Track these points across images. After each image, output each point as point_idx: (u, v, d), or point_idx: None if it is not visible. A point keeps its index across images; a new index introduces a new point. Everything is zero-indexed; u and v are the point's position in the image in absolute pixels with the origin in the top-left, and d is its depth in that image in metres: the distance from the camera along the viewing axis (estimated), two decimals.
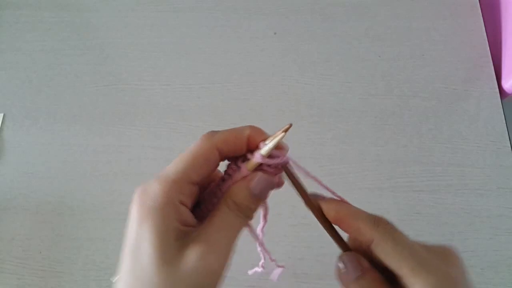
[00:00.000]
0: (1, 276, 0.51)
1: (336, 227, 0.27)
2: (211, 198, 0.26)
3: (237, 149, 0.25)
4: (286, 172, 0.26)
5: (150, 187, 0.24)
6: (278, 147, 0.25)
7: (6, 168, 0.58)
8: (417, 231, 0.52)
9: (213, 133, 0.25)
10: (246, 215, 0.25)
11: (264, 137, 0.26)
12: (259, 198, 0.25)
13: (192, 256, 0.22)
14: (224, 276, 0.24)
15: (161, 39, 0.67)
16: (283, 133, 0.25)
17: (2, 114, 0.62)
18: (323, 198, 0.27)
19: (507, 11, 0.64)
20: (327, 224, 0.26)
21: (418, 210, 0.53)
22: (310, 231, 0.50)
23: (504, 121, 0.58)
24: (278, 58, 0.64)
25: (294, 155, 0.57)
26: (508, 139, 0.57)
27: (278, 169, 0.26)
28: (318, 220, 0.26)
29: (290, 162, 0.26)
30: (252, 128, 0.26)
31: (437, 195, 0.54)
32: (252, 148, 0.26)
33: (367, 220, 0.25)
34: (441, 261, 0.24)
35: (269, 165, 0.25)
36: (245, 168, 0.25)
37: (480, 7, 0.67)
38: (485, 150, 0.57)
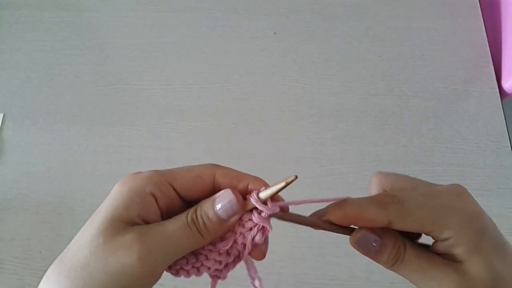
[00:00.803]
0: (1, 276, 0.51)
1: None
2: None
3: (233, 185, 0.25)
4: (281, 218, 0.26)
5: (141, 172, 0.26)
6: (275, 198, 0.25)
7: (6, 168, 0.58)
8: None
9: (217, 165, 0.26)
10: (198, 230, 0.24)
11: (258, 188, 0.25)
12: (220, 220, 0.24)
13: (125, 242, 0.22)
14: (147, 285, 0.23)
15: (161, 39, 0.67)
16: (284, 183, 0.24)
17: (2, 114, 0.62)
18: (325, 211, 0.26)
19: (507, 11, 0.64)
20: (347, 230, 0.26)
21: None
22: (310, 231, 0.50)
23: (504, 121, 0.58)
24: (278, 58, 0.64)
25: (294, 155, 0.57)
26: (508, 139, 0.57)
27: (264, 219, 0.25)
28: (340, 233, 0.26)
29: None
30: (254, 182, 0.26)
31: None
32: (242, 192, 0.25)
33: (375, 208, 0.24)
34: (455, 199, 0.25)
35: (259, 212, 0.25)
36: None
37: (480, 7, 0.67)
38: (485, 150, 0.57)
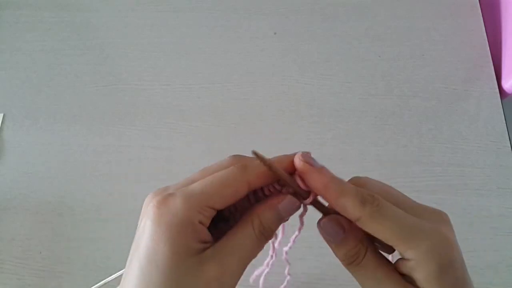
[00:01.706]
0: (1, 276, 0.51)
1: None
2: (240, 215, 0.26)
3: (268, 183, 0.26)
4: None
5: (172, 201, 0.23)
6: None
7: (6, 168, 0.58)
8: None
9: (245, 166, 0.25)
10: (267, 237, 0.25)
11: (293, 168, 0.25)
12: (282, 220, 0.26)
13: (209, 274, 0.22)
14: None
15: (161, 39, 0.67)
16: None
17: (2, 114, 0.62)
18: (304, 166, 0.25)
19: (507, 11, 0.64)
20: (319, 205, 0.26)
21: None
22: (310, 231, 0.50)
23: (504, 121, 0.58)
24: (278, 58, 0.64)
25: None
26: (508, 139, 0.57)
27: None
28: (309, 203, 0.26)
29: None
30: (281, 160, 0.25)
31: (437, 195, 0.54)
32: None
33: (355, 198, 0.24)
34: (434, 223, 0.24)
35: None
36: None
37: (480, 7, 0.67)
38: (485, 150, 0.57)
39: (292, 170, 0.25)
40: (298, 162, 0.25)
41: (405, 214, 0.24)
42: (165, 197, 0.23)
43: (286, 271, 0.28)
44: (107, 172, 0.57)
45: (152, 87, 0.63)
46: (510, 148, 0.57)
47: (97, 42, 0.67)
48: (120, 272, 0.27)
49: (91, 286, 0.46)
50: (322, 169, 0.25)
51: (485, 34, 0.65)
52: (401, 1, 0.68)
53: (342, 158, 0.57)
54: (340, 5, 0.68)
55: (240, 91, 0.62)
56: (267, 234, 0.25)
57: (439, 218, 0.25)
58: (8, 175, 0.57)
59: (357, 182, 0.26)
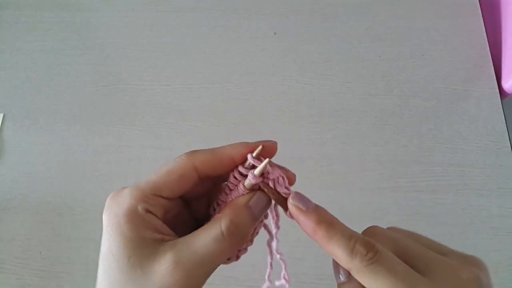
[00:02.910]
0: (1, 276, 0.51)
1: None
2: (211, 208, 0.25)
3: (218, 169, 0.25)
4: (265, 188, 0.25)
5: (120, 194, 0.24)
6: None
7: (6, 168, 0.58)
8: (417, 231, 0.52)
9: (193, 152, 0.25)
10: (239, 239, 0.23)
11: (247, 151, 0.24)
12: (256, 220, 0.24)
13: (163, 267, 0.22)
14: None
15: (161, 39, 0.67)
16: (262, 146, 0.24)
17: (2, 114, 0.62)
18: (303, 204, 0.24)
19: (507, 11, 0.64)
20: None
21: (418, 210, 0.53)
22: None
23: (504, 121, 0.58)
24: (278, 58, 0.64)
25: (294, 155, 0.58)
26: (508, 139, 0.57)
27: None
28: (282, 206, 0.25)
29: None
30: (234, 146, 0.25)
31: (437, 195, 0.54)
32: (239, 163, 0.25)
33: (344, 248, 0.22)
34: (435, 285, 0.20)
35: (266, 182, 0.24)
36: (244, 189, 0.24)
37: (480, 7, 0.67)
38: (485, 150, 0.57)
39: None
40: (289, 205, 0.24)
41: (404, 274, 0.21)
42: (116, 191, 0.24)
43: (282, 275, 0.26)
44: (107, 172, 0.57)
45: (152, 87, 0.63)
46: (510, 148, 0.57)
47: (97, 42, 0.67)
48: None
49: (91, 286, 0.46)
50: (311, 212, 0.23)
51: (485, 34, 0.65)
52: (401, 1, 0.68)
53: (342, 158, 0.57)
54: (340, 5, 0.68)
55: (240, 91, 0.62)
56: (238, 234, 0.23)
57: (467, 277, 0.21)
58: (8, 175, 0.57)
59: (373, 231, 0.24)
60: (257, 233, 0.27)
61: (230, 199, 0.25)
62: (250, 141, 0.26)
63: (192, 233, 0.23)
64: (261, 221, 0.26)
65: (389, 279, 0.20)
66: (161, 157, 0.57)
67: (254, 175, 0.24)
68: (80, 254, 0.52)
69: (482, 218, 0.53)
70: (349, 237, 0.22)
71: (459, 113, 0.59)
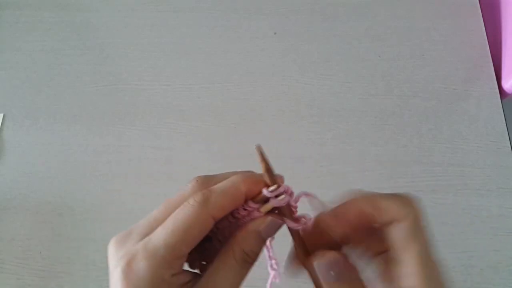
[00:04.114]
0: (1, 276, 0.51)
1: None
2: (216, 242, 0.25)
3: (234, 209, 0.24)
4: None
5: (136, 264, 0.21)
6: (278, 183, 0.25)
7: (6, 168, 0.58)
8: None
9: (207, 199, 0.23)
10: (252, 262, 0.24)
11: (262, 186, 0.24)
12: (265, 241, 0.24)
13: None
14: None
15: (161, 39, 0.67)
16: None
17: (2, 114, 0.62)
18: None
19: (507, 11, 0.64)
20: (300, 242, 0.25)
21: None
22: None
23: (504, 121, 0.58)
24: (278, 58, 0.64)
25: (294, 155, 0.57)
26: (508, 139, 0.57)
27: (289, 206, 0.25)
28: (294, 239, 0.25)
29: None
30: (247, 183, 0.24)
31: (437, 195, 0.54)
32: (251, 198, 0.24)
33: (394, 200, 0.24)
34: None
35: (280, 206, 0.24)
36: (258, 212, 0.24)
37: (480, 7, 0.67)
38: (485, 150, 0.57)
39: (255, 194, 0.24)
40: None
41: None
42: (129, 261, 0.21)
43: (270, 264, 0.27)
44: (107, 172, 0.57)
45: (152, 87, 0.63)
46: (510, 148, 0.57)
47: (97, 42, 0.67)
48: None
49: (91, 286, 0.46)
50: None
51: (485, 34, 0.65)
52: (401, 1, 0.68)
53: (342, 158, 0.57)
54: (340, 5, 0.68)
55: (240, 91, 0.62)
56: (251, 259, 0.23)
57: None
58: (8, 175, 0.57)
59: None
60: None
61: (237, 222, 0.25)
62: (254, 171, 0.26)
63: (208, 272, 0.23)
64: None
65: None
66: (161, 157, 0.57)
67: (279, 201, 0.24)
68: (80, 254, 0.52)
69: (482, 218, 0.53)
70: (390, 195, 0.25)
71: (459, 113, 0.59)
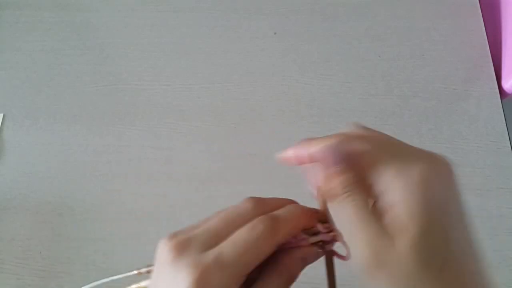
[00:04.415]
0: (1, 276, 0.51)
1: None
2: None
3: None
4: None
5: (210, 276, 0.21)
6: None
7: (6, 168, 0.58)
8: None
9: (277, 230, 0.24)
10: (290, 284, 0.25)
11: (314, 220, 0.26)
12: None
13: None
14: None
15: (161, 39, 0.67)
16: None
17: (2, 114, 0.62)
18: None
19: (507, 11, 0.64)
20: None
21: None
22: None
23: (504, 121, 0.58)
24: (278, 58, 0.64)
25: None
26: (508, 139, 0.57)
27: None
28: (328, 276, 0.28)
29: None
30: (306, 215, 0.26)
31: None
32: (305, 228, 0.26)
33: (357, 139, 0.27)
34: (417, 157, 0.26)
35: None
36: (304, 241, 0.26)
37: (480, 7, 0.67)
38: (485, 150, 0.57)
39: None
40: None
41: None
42: (202, 272, 0.22)
43: None
44: (107, 172, 0.57)
45: (152, 87, 0.63)
46: (510, 148, 0.57)
47: (97, 42, 0.67)
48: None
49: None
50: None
51: (485, 34, 0.65)
52: (401, 1, 0.68)
53: None
54: (340, 5, 0.68)
55: (240, 91, 0.62)
56: (292, 282, 0.25)
57: (432, 157, 0.27)
58: (8, 175, 0.57)
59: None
60: None
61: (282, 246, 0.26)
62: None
63: None
64: None
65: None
66: (161, 157, 0.57)
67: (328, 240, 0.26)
68: (80, 254, 0.52)
69: (482, 218, 0.53)
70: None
71: (459, 113, 0.59)
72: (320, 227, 0.26)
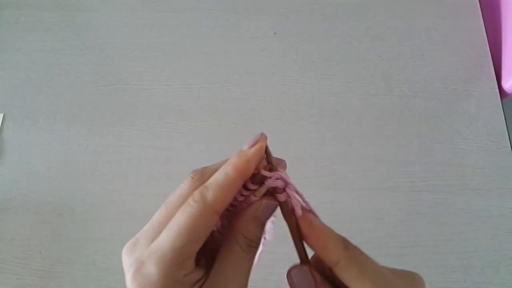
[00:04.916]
0: (1, 276, 0.51)
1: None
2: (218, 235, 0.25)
3: (231, 197, 0.24)
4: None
5: (146, 269, 0.21)
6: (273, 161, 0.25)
7: (6, 168, 0.58)
8: (417, 231, 0.52)
9: (204, 196, 0.23)
10: (257, 247, 0.24)
11: (255, 164, 0.25)
12: (265, 224, 0.25)
13: None
14: None
15: (161, 39, 0.67)
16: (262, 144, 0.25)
17: (2, 114, 0.62)
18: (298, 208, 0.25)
19: (507, 11, 0.64)
20: (297, 234, 0.25)
21: (418, 210, 0.53)
22: None
23: (504, 121, 0.58)
24: (278, 58, 0.64)
25: (294, 155, 0.58)
26: (508, 139, 0.57)
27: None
28: (290, 228, 0.25)
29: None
30: (237, 168, 0.24)
31: (437, 195, 0.54)
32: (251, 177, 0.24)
33: (337, 240, 0.24)
34: (408, 285, 0.23)
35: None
36: (254, 197, 0.24)
37: (480, 7, 0.67)
38: (485, 150, 0.57)
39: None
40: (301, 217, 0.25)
41: (384, 269, 0.23)
42: (138, 267, 0.21)
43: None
44: (107, 172, 0.57)
45: (152, 87, 0.63)
46: (510, 148, 0.57)
47: (97, 42, 0.67)
48: None
49: (91, 286, 0.46)
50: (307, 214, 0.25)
51: (485, 34, 0.65)
52: (401, 1, 0.68)
53: (342, 158, 0.57)
54: (340, 5, 0.68)
55: (240, 91, 0.62)
56: (255, 244, 0.24)
57: (414, 280, 0.24)
58: (8, 175, 0.57)
59: None
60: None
61: (235, 210, 0.25)
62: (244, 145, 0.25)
63: (217, 263, 0.23)
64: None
65: (372, 268, 0.23)
66: (161, 157, 0.57)
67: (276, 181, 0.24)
68: (80, 254, 0.52)
69: (482, 218, 0.53)
70: (338, 235, 0.24)
71: (459, 113, 0.59)
72: (265, 173, 0.24)
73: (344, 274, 0.23)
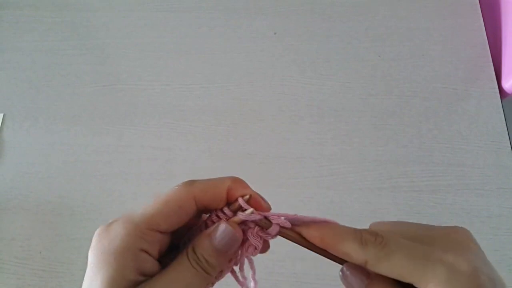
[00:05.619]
0: (1, 276, 0.51)
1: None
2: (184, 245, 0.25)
3: (216, 200, 0.24)
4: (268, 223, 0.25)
5: (112, 228, 0.22)
6: (260, 206, 0.25)
7: (6, 168, 0.58)
8: None
9: (192, 181, 0.24)
10: (204, 270, 0.22)
11: (245, 192, 0.24)
12: (222, 253, 0.23)
13: None
14: None
15: (161, 39, 0.67)
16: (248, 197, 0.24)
17: (2, 114, 0.62)
18: (305, 226, 0.25)
19: (507, 11, 0.64)
20: (319, 250, 0.25)
21: (418, 210, 0.53)
22: None
23: (504, 121, 0.58)
24: (278, 58, 0.64)
25: (294, 155, 0.58)
26: (508, 139, 0.57)
27: (261, 229, 0.25)
28: (309, 249, 0.25)
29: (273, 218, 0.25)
30: (233, 180, 0.24)
31: (437, 195, 0.54)
32: (230, 200, 0.24)
33: (353, 241, 0.23)
34: (452, 249, 0.22)
35: (251, 221, 0.24)
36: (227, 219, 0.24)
37: (480, 7, 0.67)
38: (485, 150, 0.57)
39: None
40: (300, 231, 0.25)
41: (416, 245, 0.22)
42: (107, 224, 0.22)
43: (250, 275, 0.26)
44: (107, 172, 0.57)
45: (152, 87, 0.63)
46: (510, 148, 0.57)
47: (97, 42, 0.67)
48: None
49: None
50: (313, 226, 0.24)
51: (485, 34, 0.65)
52: (401, 1, 0.68)
53: (342, 158, 0.57)
54: (340, 5, 0.68)
55: (240, 91, 0.62)
56: (204, 266, 0.22)
57: (455, 240, 0.23)
58: (8, 175, 0.57)
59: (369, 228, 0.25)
60: (223, 276, 0.25)
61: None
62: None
63: (165, 269, 0.23)
64: (230, 266, 0.25)
65: (404, 255, 0.21)
66: (161, 157, 0.57)
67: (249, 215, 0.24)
68: (80, 254, 0.52)
69: (482, 218, 0.53)
70: (354, 232, 0.23)
71: (459, 113, 0.59)
72: (241, 200, 0.24)
73: (378, 270, 0.22)
